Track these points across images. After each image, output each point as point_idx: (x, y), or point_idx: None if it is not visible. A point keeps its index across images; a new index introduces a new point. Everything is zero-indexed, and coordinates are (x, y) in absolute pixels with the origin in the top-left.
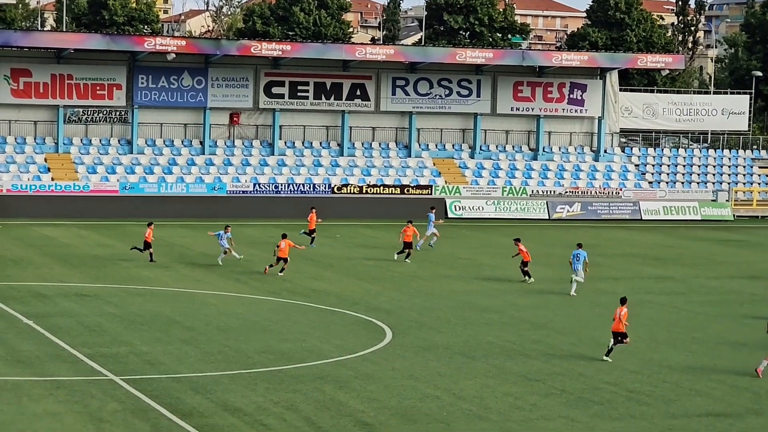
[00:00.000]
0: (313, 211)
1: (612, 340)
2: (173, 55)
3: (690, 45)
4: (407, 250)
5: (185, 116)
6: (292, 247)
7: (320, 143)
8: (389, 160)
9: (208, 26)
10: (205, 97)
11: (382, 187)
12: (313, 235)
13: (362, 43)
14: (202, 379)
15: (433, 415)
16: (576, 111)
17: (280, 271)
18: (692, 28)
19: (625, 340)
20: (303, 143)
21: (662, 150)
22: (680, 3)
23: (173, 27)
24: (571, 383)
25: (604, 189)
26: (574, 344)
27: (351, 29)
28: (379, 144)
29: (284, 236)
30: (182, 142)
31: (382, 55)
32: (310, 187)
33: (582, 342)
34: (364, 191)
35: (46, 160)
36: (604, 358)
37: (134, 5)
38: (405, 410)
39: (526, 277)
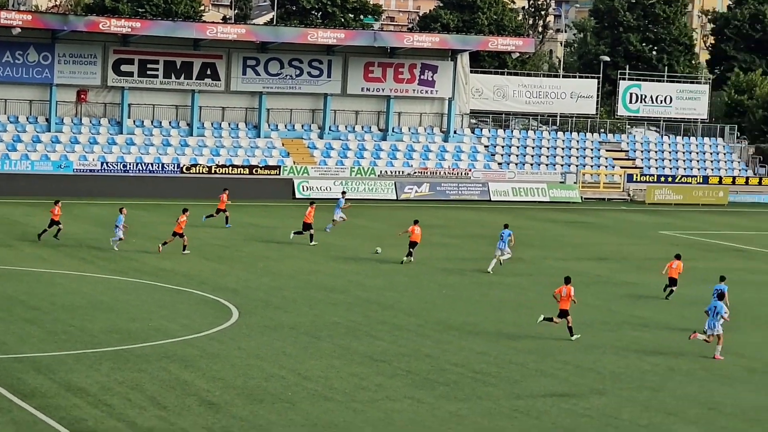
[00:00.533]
0: (226, 192)
1: (558, 316)
2: (18, 30)
3: (540, 29)
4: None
5: (30, 92)
6: (183, 224)
7: (169, 122)
8: (238, 140)
9: (56, 0)
10: (51, 74)
11: (230, 168)
12: (226, 214)
13: (213, 22)
14: (46, 359)
15: (278, 394)
16: (426, 92)
17: (183, 249)
18: (542, 13)
19: (567, 317)
20: (152, 122)
21: (512, 132)
22: None
23: (19, 0)
24: (417, 364)
25: (453, 170)
26: (421, 325)
27: (202, 8)
28: (229, 124)
29: (185, 211)
30: (27, 118)
31: (233, 35)
32: (158, 167)
33: (428, 323)
34: (212, 171)
35: None
36: (572, 338)
37: None
38: (250, 390)
39: (408, 257)
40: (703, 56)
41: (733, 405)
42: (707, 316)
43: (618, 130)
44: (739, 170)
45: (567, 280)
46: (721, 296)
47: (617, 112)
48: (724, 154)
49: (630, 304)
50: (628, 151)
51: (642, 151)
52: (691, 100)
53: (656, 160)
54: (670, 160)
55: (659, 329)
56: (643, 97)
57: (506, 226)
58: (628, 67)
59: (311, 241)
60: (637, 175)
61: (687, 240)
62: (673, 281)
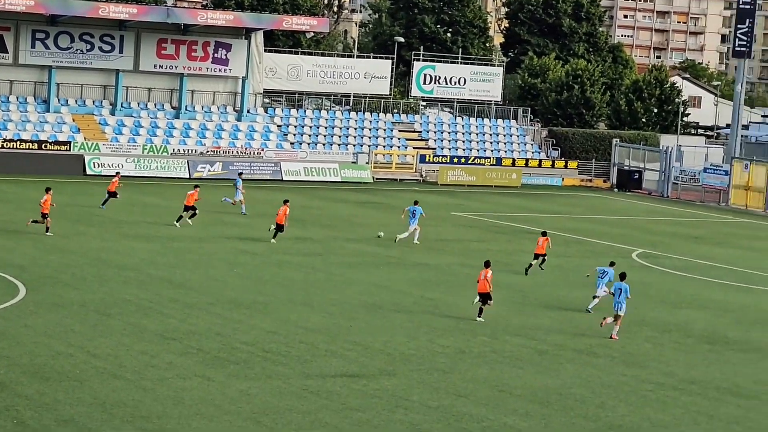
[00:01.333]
0: (117, 175)
1: (479, 300)
2: None
3: (335, 9)
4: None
5: None
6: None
7: None
8: (27, 114)
9: None
10: None
11: (19, 142)
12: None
13: None
14: None
15: (66, 372)
16: (220, 70)
17: (47, 230)
18: None
19: (489, 302)
20: None
21: (305, 111)
22: None
23: None
24: (207, 342)
25: (246, 149)
26: (212, 304)
27: None
28: (17, 98)
29: (48, 190)
30: None
31: (21, 6)
32: None
33: (219, 302)
34: (1, 146)
35: None
36: (477, 319)
37: None
38: (37, 368)
39: (273, 239)
40: (498, 39)
41: (522, 387)
42: (613, 296)
43: (412, 111)
44: (532, 152)
45: (486, 264)
46: (623, 276)
47: (411, 93)
48: (518, 136)
49: (420, 286)
50: (421, 132)
51: (435, 132)
52: (485, 82)
53: (449, 141)
54: (463, 141)
55: (450, 311)
56: (438, 78)
57: (416, 203)
58: (422, 48)
59: (178, 221)
60: (429, 156)
61: (479, 222)
62: (536, 256)
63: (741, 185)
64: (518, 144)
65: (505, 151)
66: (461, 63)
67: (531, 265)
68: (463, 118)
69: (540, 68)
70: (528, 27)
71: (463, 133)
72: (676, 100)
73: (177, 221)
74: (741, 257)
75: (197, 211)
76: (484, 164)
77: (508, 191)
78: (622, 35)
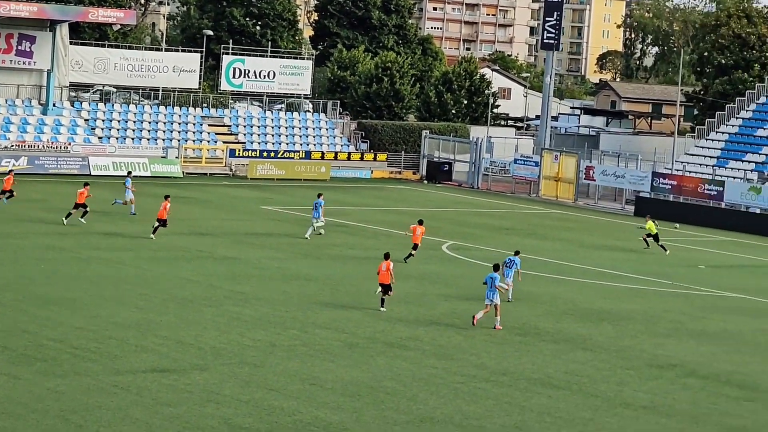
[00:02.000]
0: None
1: (381, 291)
2: None
3: (142, 1)
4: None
5: None
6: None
7: None
8: None
9: None
10: None
11: None
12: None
13: None
14: None
15: None
16: (24, 63)
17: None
18: None
19: (390, 293)
20: None
21: (113, 105)
22: None
23: None
24: (14, 340)
25: (53, 143)
26: (18, 300)
27: None
28: None
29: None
30: None
31: None
32: None
33: (26, 298)
34: None
35: None
36: (381, 309)
37: None
38: None
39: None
40: (307, 32)
41: (333, 380)
42: (502, 268)
43: (221, 104)
44: (342, 145)
45: (386, 256)
46: (496, 268)
47: (220, 87)
48: (327, 129)
49: (231, 280)
50: (230, 126)
51: (245, 126)
52: (295, 75)
53: (259, 135)
54: (273, 135)
55: (260, 305)
56: (247, 72)
57: (320, 195)
58: (231, 41)
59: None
60: (239, 150)
61: (289, 215)
62: (415, 246)
63: (551, 176)
64: (327, 137)
65: (315, 145)
66: (270, 56)
67: (411, 254)
68: (272, 112)
69: (349, 61)
70: (337, 20)
71: (272, 127)
72: (486, 91)
73: (65, 218)
74: (551, 248)
75: (88, 209)
76: (293, 158)
77: (317, 184)
78: (431, 27)
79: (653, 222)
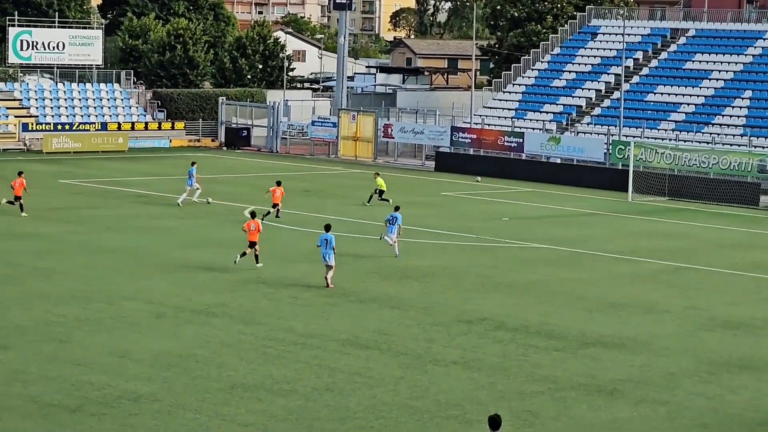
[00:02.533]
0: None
1: (248, 247)
2: None
3: None
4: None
5: None
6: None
7: None
8: None
9: None
10: None
11: None
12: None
13: None
14: None
15: None
16: None
17: None
18: None
19: (256, 248)
20: None
21: None
22: None
23: None
24: None
25: None
26: None
27: None
28: None
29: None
30: None
31: None
32: None
33: None
34: None
35: None
36: (257, 265)
37: None
38: None
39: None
40: (95, 1)
41: (142, 351)
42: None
43: (10, 78)
44: (138, 115)
45: (253, 215)
46: (327, 228)
47: (8, 60)
48: (122, 99)
49: (33, 256)
50: (21, 99)
51: (37, 99)
52: (85, 46)
53: (52, 108)
54: (66, 108)
55: (65, 280)
56: (35, 43)
57: (193, 164)
58: (17, 12)
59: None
60: (32, 124)
61: (88, 188)
62: (275, 205)
63: (349, 136)
64: (123, 108)
65: (110, 116)
66: (59, 27)
67: (274, 212)
68: (64, 84)
69: (140, 29)
70: None
71: (65, 99)
72: (281, 55)
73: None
74: (353, 208)
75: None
76: (89, 130)
77: (115, 156)
78: None
79: (381, 179)
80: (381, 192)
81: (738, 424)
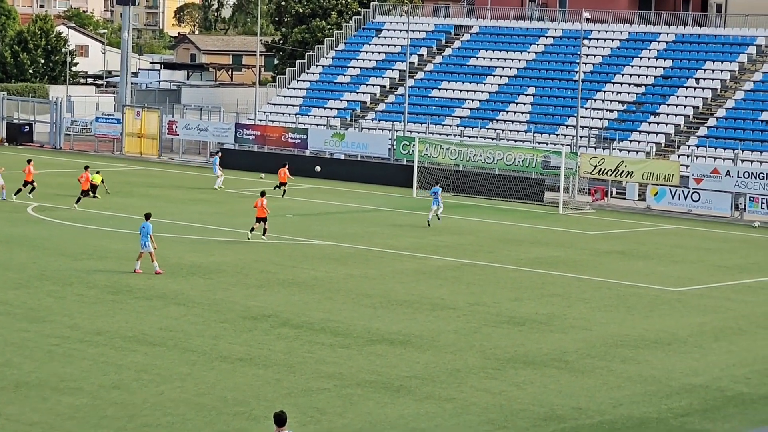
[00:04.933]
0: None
1: (255, 223)
2: None
3: None
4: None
5: None
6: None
7: None
8: None
9: None
10: None
11: None
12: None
13: None
14: None
15: None
16: None
17: None
18: None
19: (266, 224)
20: None
21: None
22: None
23: None
24: None
25: None
26: None
27: None
28: None
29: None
30: None
31: None
32: None
33: None
34: None
35: None
36: (263, 238)
37: None
38: None
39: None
40: None
41: None
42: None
43: None
44: None
45: (262, 194)
46: (147, 217)
47: None
48: None
49: None
50: None
51: None
52: None
53: None
54: None
55: None
56: None
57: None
58: None
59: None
60: None
61: None
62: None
63: (134, 133)
64: None
65: None
66: None
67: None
68: None
69: None
70: None
71: None
72: (63, 49)
73: (15, 194)
74: (137, 205)
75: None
76: None
77: None
78: None
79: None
80: (94, 188)
81: (523, 419)
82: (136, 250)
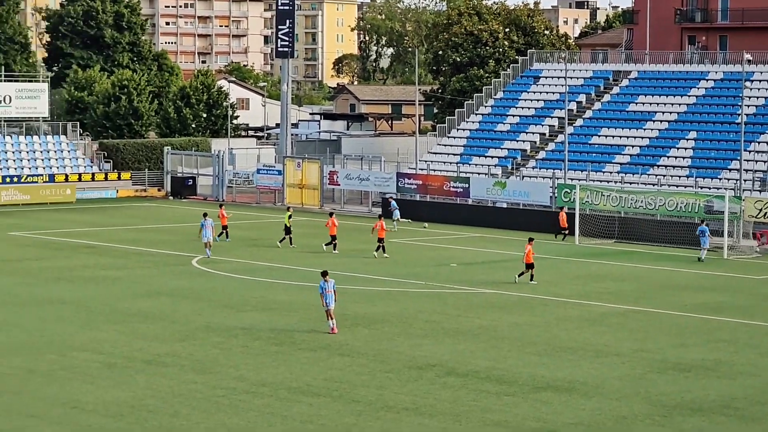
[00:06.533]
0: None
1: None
2: None
3: None
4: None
5: None
6: None
7: None
8: None
9: None
10: None
11: None
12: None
13: None
14: None
15: None
16: None
17: None
18: None
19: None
20: None
21: None
22: None
23: None
24: None
25: None
26: None
27: None
28: None
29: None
30: None
31: None
32: None
33: None
34: None
35: None
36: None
37: None
38: None
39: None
40: (40, 54)
41: (94, 402)
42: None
43: None
44: (85, 167)
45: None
46: (324, 274)
47: None
48: (69, 151)
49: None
50: None
51: None
52: (31, 98)
53: (0, 161)
54: (14, 161)
55: (15, 331)
56: None
57: (205, 215)
58: None
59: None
60: None
61: (37, 239)
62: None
63: (295, 184)
64: (70, 159)
65: (58, 167)
66: (5, 81)
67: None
68: (11, 137)
69: (86, 81)
70: (70, 40)
71: (13, 152)
72: (224, 103)
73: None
74: (301, 257)
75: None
76: (37, 182)
77: (63, 207)
78: (166, 42)
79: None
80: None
81: None
82: (295, 301)
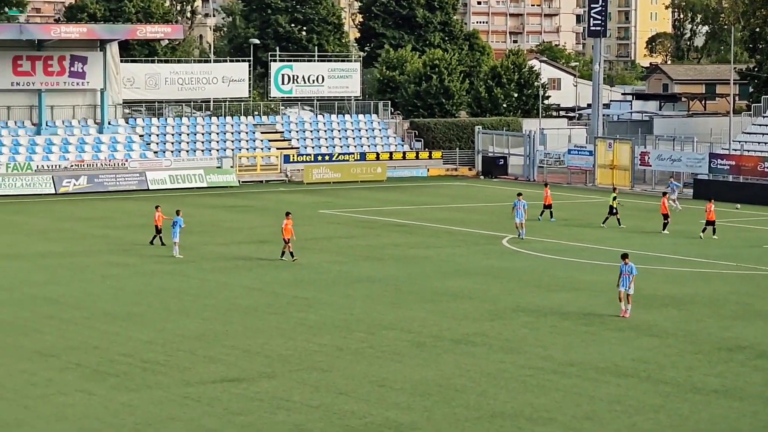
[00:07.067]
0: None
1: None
2: None
3: (188, 15)
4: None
5: None
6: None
7: None
8: None
9: None
10: None
11: None
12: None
13: None
14: None
15: None
16: (78, 84)
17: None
18: None
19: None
20: None
21: (166, 119)
22: None
23: None
24: (86, 357)
25: (110, 161)
26: (88, 318)
27: None
28: None
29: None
30: None
31: None
32: None
33: (94, 315)
34: None
35: None
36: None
37: None
38: None
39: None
40: (353, 34)
41: (402, 380)
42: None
43: (272, 111)
44: (396, 145)
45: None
46: (624, 256)
47: (270, 94)
48: (380, 130)
49: (293, 286)
50: (283, 132)
51: (297, 131)
52: (343, 78)
53: (312, 139)
54: (326, 139)
55: (324, 309)
56: (296, 77)
57: (519, 195)
58: (278, 48)
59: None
60: (293, 156)
61: (347, 218)
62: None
63: (606, 164)
64: (381, 138)
65: (369, 146)
66: (318, 61)
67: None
68: (324, 116)
69: (397, 60)
70: (383, 20)
71: (325, 131)
72: (536, 83)
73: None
74: (610, 237)
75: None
76: (348, 160)
77: (374, 186)
78: (477, 22)
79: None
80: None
81: None
82: (603, 281)
